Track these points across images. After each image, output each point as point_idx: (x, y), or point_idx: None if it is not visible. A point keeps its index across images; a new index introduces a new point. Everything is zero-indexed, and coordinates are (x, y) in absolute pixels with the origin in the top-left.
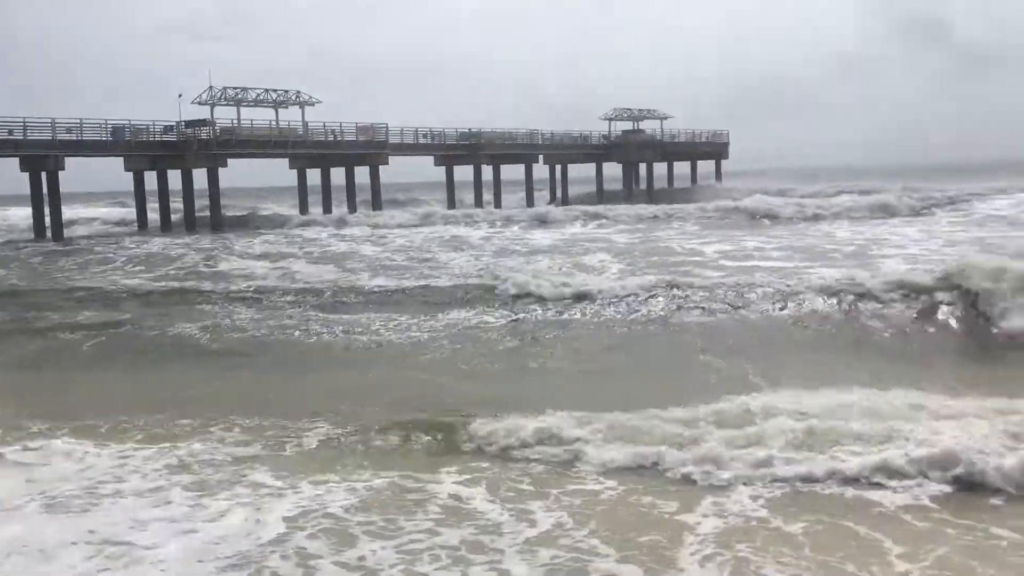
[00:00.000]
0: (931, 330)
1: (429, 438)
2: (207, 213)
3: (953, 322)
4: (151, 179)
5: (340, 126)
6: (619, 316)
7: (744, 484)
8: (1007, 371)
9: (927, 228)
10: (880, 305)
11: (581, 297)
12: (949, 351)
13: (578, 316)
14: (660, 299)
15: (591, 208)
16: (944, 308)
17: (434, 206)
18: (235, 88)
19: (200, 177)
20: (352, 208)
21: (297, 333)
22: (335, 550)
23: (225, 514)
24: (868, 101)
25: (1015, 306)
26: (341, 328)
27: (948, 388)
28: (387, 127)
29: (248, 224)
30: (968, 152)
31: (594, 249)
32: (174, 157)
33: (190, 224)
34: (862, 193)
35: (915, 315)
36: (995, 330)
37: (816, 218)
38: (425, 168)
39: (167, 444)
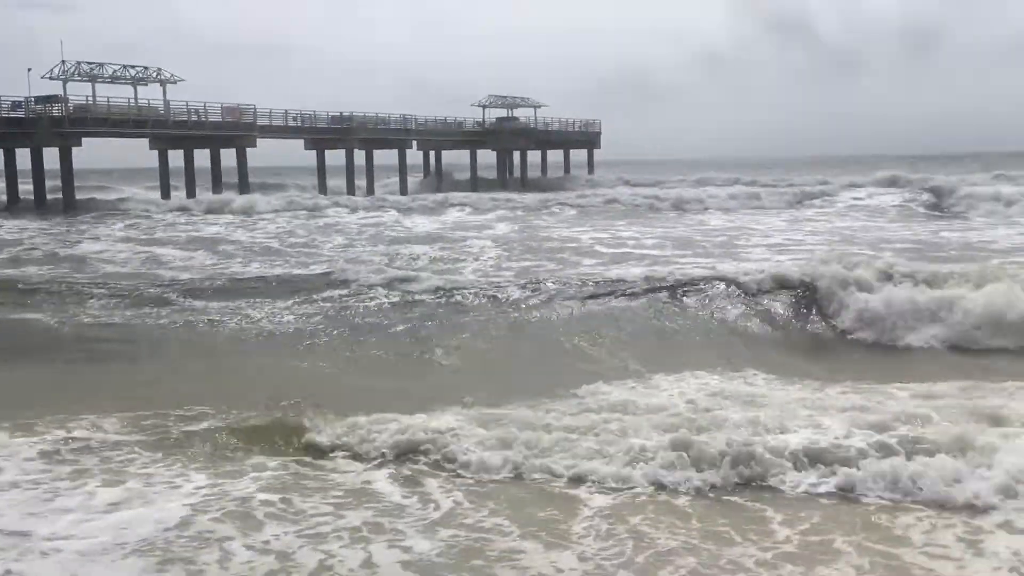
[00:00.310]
0: (777, 322)
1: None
2: (60, 196)
3: (793, 317)
4: None
5: (204, 106)
6: (501, 305)
7: None
8: (832, 363)
9: (794, 218)
10: (738, 298)
11: (461, 286)
12: (783, 344)
13: (462, 303)
14: (542, 288)
15: (471, 195)
16: (790, 302)
17: (306, 191)
18: (90, 63)
19: (52, 157)
20: (218, 192)
21: (170, 322)
22: (243, 533)
23: (120, 504)
24: (737, 96)
25: (849, 303)
26: (216, 315)
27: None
28: (255, 108)
29: (105, 208)
30: (832, 147)
31: (474, 236)
32: (22, 135)
33: (40, 205)
34: (729, 184)
35: (770, 308)
36: (833, 325)
37: (687, 209)
38: (295, 152)
39: (43, 435)
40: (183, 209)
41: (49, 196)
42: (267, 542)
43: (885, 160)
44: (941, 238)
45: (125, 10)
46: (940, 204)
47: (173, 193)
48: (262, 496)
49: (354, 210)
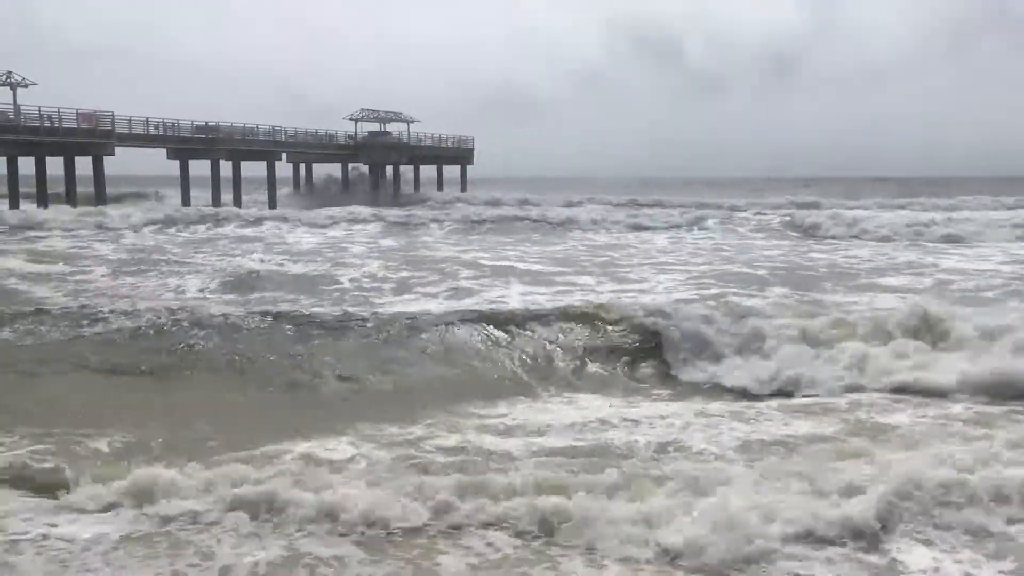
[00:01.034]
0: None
1: None
2: None
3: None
4: None
5: (59, 111)
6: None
7: None
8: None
9: (676, 240)
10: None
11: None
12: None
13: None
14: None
15: (348, 209)
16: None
17: (168, 203)
18: None
19: None
20: (72, 202)
21: None
22: None
23: None
24: (610, 116)
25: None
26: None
27: None
28: (113, 115)
29: None
30: (700, 167)
31: (360, 253)
32: None
33: None
34: (615, 207)
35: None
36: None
37: (570, 227)
38: (157, 162)
39: None
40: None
41: None
42: None
43: (749, 182)
44: (811, 259)
45: None
46: (804, 226)
47: (23, 203)
48: None
49: (240, 221)
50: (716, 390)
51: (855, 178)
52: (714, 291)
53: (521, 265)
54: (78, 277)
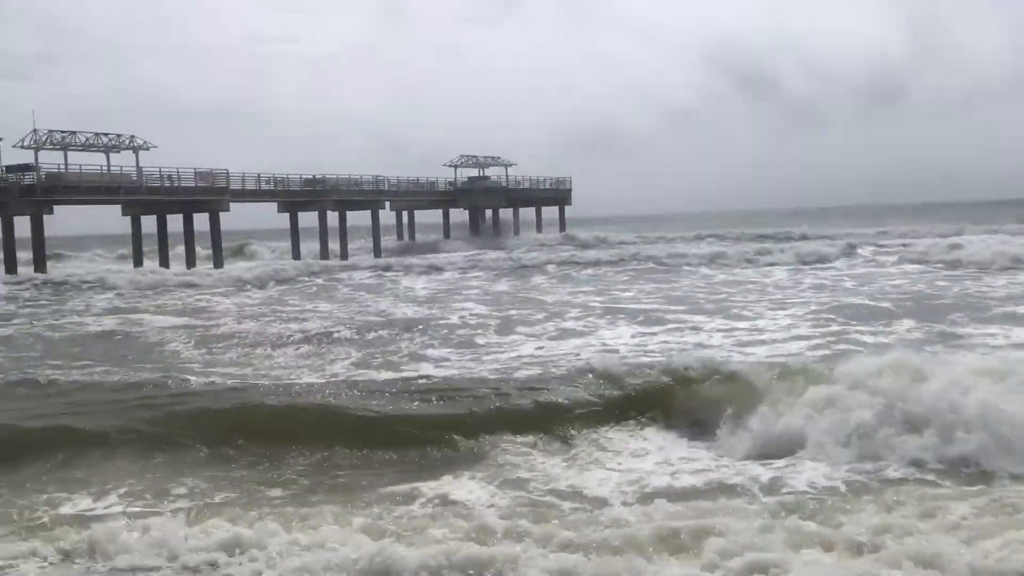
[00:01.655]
0: None
1: None
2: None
3: None
4: None
5: (178, 171)
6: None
7: None
8: None
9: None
10: None
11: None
12: None
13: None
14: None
15: (453, 255)
16: None
17: (284, 258)
18: (62, 132)
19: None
20: (191, 259)
21: None
22: None
23: None
24: (704, 151)
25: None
26: None
27: None
28: (227, 172)
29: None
30: (799, 198)
31: (469, 297)
32: None
33: (10, 272)
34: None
35: None
36: None
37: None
38: (266, 215)
39: None
40: (160, 276)
41: (20, 268)
42: None
43: (856, 211)
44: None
45: (94, 78)
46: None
47: (146, 262)
48: None
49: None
50: None
51: (959, 202)
52: (834, 328)
53: (634, 305)
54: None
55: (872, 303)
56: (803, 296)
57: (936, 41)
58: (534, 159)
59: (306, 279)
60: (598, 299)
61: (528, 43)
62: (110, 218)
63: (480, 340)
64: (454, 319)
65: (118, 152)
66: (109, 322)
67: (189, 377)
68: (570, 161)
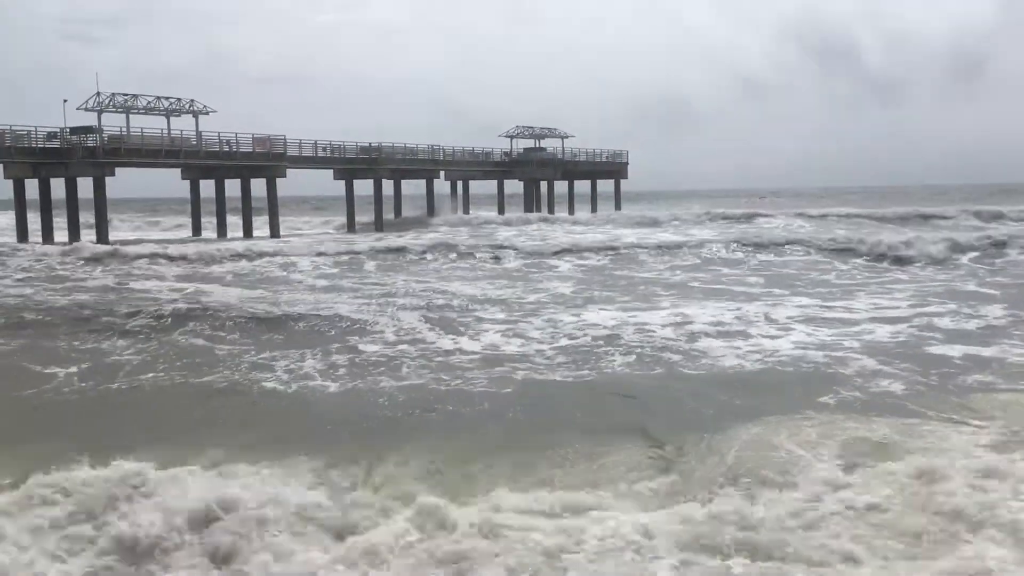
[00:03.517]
0: None
1: None
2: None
3: None
4: (32, 188)
5: (236, 136)
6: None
7: None
8: None
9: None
10: None
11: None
12: None
13: None
14: None
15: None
16: None
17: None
18: (124, 95)
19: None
20: (248, 227)
21: None
22: None
23: None
24: (776, 124)
25: None
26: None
27: None
28: (285, 138)
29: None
30: (875, 177)
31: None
32: (58, 164)
33: (74, 236)
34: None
35: None
36: None
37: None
38: (322, 180)
39: None
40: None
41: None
42: None
43: (946, 190)
44: None
45: (163, 41)
46: None
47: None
48: None
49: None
50: None
51: None
52: None
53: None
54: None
55: None
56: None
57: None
58: (594, 126)
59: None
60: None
61: (598, 10)
62: (168, 182)
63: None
64: None
65: (179, 116)
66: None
67: None
68: (630, 131)
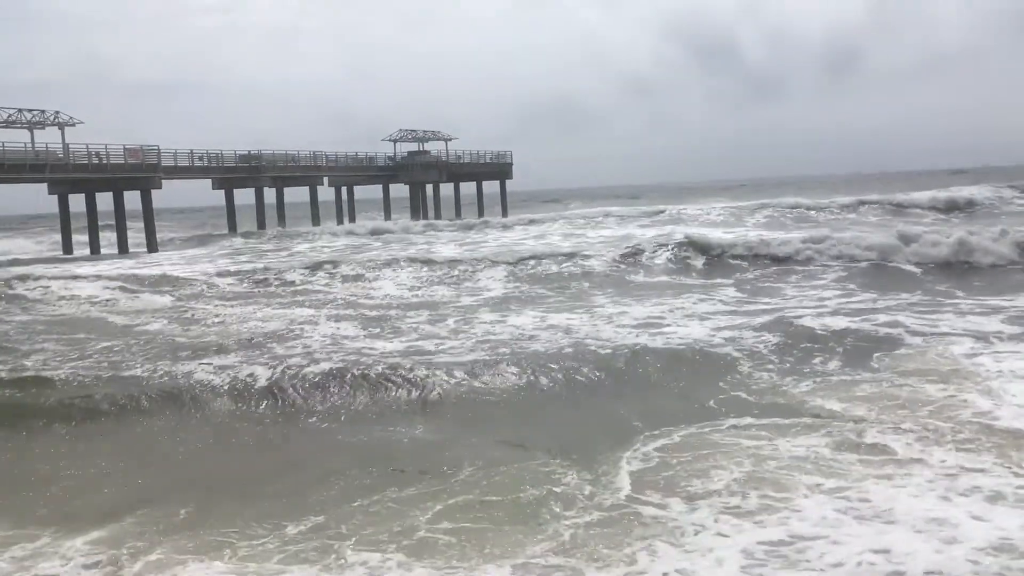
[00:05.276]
0: None
1: None
2: None
3: None
4: None
5: (106, 147)
6: None
7: None
8: None
9: None
10: None
11: None
12: None
13: None
14: None
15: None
16: None
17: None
18: None
19: None
20: (123, 241)
21: None
22: None
23: None
24: (663, 122)
25: None
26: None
27: None
28: (159, 148)
29: None
30: (758, 169)
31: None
32: None
33: None
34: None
35: None
36: None
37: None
38: (203, 192)
39: None
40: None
41: None
42: None
43: (833, 180)
44: None
45: (35, 50)
46: None
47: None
48: None
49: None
50: None
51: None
52: None
53: None
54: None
55: None
56: None
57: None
58: (491, 131)
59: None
60: None
61: (489, 12)
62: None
63: None
64: None
65: (43, 128)
66: None
67: None
68: (528, 133)
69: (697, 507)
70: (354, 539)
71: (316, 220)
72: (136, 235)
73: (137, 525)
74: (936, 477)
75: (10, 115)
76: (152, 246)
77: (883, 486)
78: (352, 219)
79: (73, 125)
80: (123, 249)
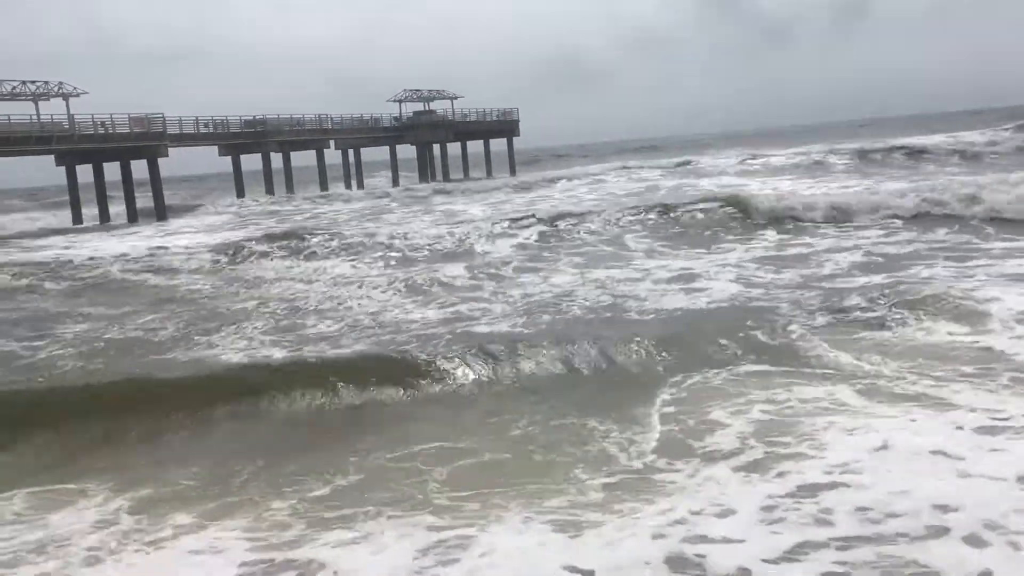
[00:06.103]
0: None
1: None
2: None
3: None
4: None
5: (111, 117)
6: None
7: None
8: None
9: None
10: None
11: None
12: None
13: None
14: None
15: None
16: None
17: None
18: None
19: None
20: (132, 210)
21: None
22: None
23: None
24: (670, 75)
25: None
26: None
27: None
28: (164, 116)
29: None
30: (768, 120)
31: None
32: None
33: None
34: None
35: None
36: None
37: None
38: (209, 159)
39: None
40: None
41: None
42: None
43: (851, 126)
44: None
45: (40, 23)
46: None
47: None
48: None
49: None
50: None
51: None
52: None
53: None
54: None
55: None
56: None
57: None
58: (491, 88)
59: None
60: None
61: None
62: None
63: None
64: None
65: (47, 100)
66: None
67: None
68: (527, 90)
69: None
70: None
71: (324, 185)
72: (144, 203)
73: None
74: None
75: (14, 87)
76: (161, 214)
77: None
78: (360, 182)
79: (77, 96)
80: (132, 218)
